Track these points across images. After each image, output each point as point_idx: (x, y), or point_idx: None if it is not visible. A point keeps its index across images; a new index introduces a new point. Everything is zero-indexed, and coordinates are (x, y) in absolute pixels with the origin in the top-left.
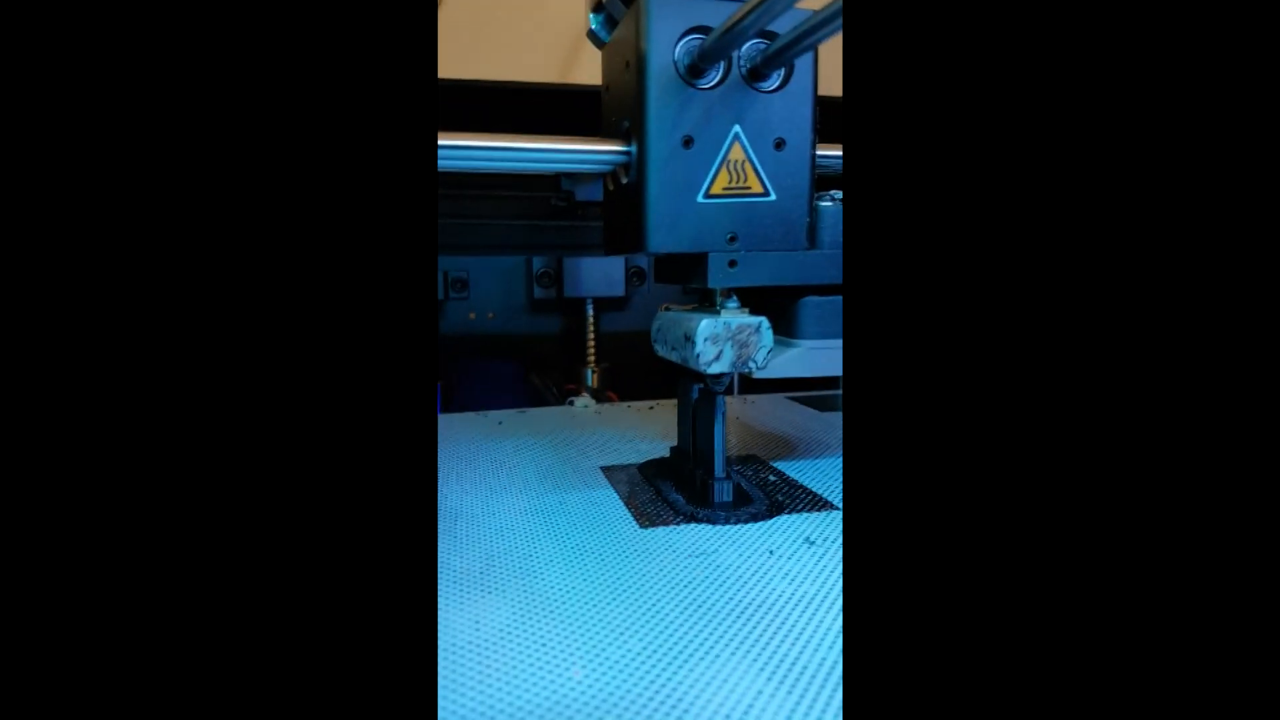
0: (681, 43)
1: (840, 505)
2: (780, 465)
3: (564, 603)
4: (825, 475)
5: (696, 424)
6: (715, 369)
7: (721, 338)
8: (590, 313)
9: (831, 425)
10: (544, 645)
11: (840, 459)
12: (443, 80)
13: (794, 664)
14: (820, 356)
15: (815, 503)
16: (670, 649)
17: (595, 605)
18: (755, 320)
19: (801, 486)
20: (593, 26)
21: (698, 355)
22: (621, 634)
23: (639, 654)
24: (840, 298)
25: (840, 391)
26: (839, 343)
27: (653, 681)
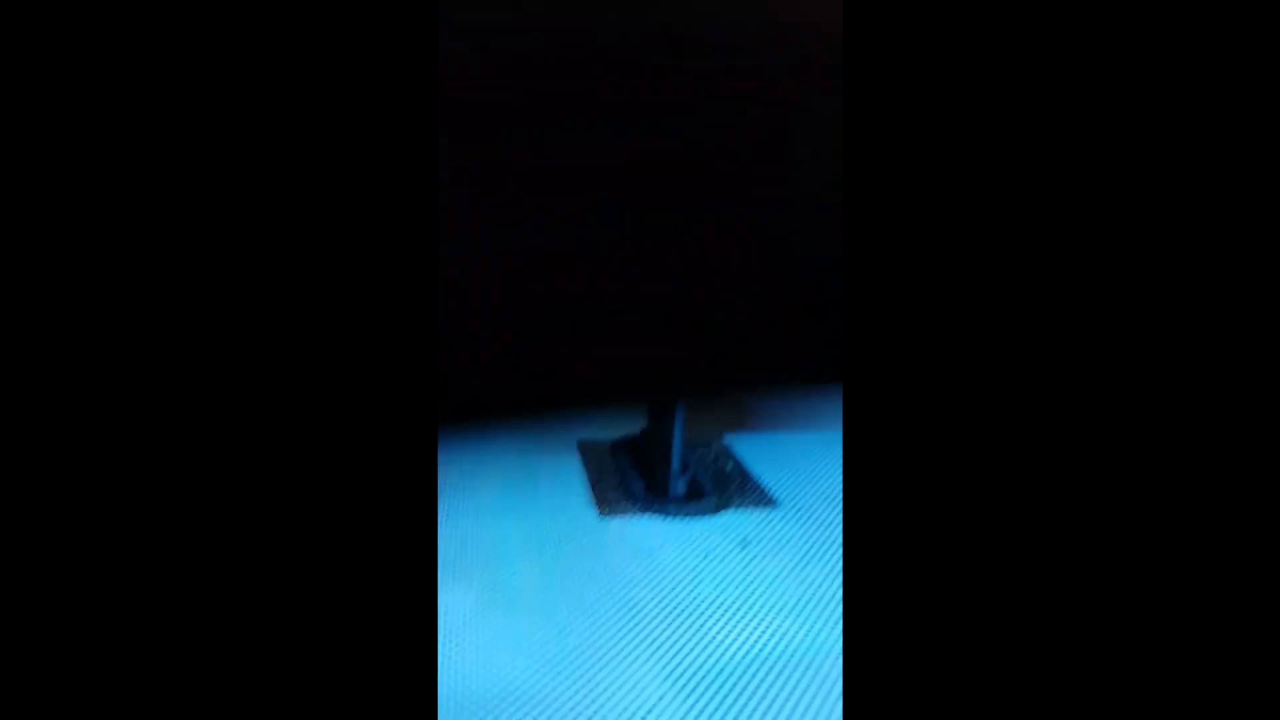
0: None
1: (781, 501)
2: (744, 447)
3: (521, 595)
4: (784, 461)
5: (660, 414)
6: None
7: None
8: None
9: (806, 397)
10: (497, 639)
11: (806, 438)
12: None
13: (698, 669)
14: None
15: (761, 498)
16: (598, 649)
17: (545, 601)
18: None
19: (754, 480)
20: None
21: None
22: (562, 631)
23: (572, 652)
24: None
25: None
26: None
27: (578, 679)
